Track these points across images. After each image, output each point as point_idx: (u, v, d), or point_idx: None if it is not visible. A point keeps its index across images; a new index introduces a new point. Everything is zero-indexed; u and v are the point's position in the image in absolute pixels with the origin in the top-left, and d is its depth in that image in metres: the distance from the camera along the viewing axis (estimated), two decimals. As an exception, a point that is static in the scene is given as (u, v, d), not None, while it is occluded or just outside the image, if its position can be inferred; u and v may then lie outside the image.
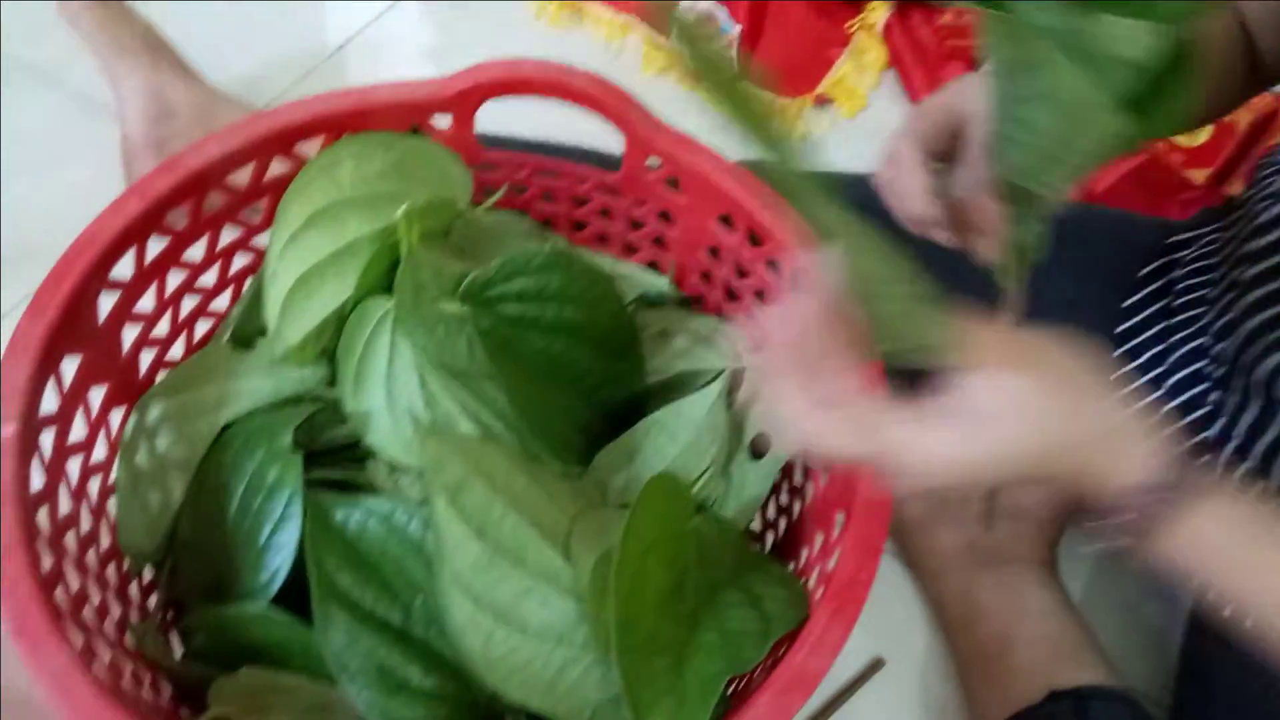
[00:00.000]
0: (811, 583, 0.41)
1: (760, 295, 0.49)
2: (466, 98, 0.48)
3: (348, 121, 0.47)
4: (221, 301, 0.50)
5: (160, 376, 0.46)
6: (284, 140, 0.46)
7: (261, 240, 0.49)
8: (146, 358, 0.46)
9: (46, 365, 0.38)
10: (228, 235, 0.48)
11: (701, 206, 0.49)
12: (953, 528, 0.53)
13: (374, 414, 0.43)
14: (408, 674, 0.37)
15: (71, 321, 0.40)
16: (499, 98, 0.48)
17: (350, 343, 0.44)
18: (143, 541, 0.43)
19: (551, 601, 0.38)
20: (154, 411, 0.44)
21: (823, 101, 0.80)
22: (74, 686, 0.31)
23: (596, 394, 0.48)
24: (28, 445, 0.37)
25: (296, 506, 0.39)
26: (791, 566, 0.46)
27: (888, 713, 0.52)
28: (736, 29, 0.81)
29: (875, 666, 0.53)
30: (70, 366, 0.40)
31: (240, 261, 0.50)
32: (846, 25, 0.85)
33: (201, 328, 0.50)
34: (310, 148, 0.47)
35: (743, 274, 0.49)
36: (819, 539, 0.43)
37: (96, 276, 0.41)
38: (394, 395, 0.43)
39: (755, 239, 0.47)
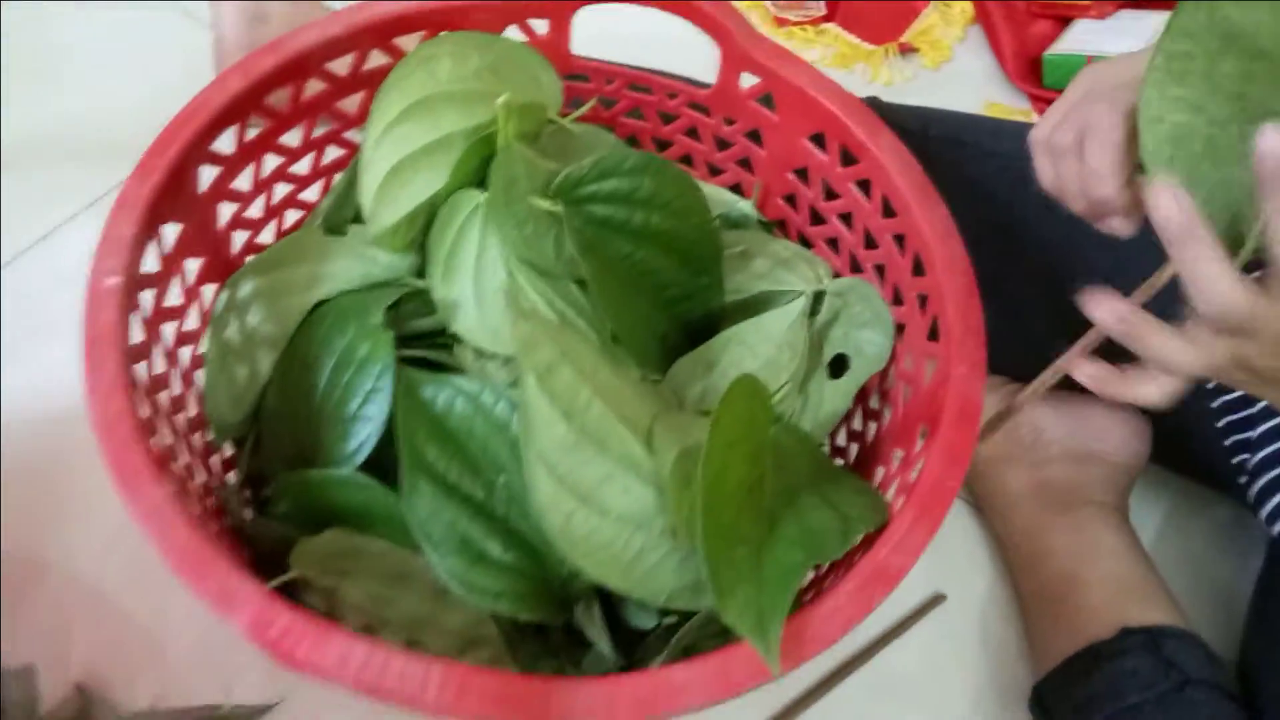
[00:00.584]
0: (890, 495, 0.41)
1: (848, 219, 0.48)
2: (565, 2, 0.48)
3: (447, 18, 0.47)
4: (310, 193, 0.51)
5: (250, 259, 0.47)
6: (384, 31, 0.46)
7: (354, 135, 0.50)
8: (239, 239, 0.47)
9: (149, 226, 0.39)
10: (322, 129, 0.49)
11: (794, 124, 0.48)
12: (1025, 468, 0.52)
13: (461, 303, 0.43)
14: (487, 547, 0.38)
15: (174, 188, 0.40)
16: (597, 3, 0.48)
17: (441, 233, 0.44)
18: (228, 413, 0.43)
19: (632, 489, 0.38)
20: (245, 288, 0.44)
21: (907, 50, 0.79)
22: (170, 522, 0.32)
23: (675, 307, 0.48)
24: (129, 298, 0.37)
25: (387, 380, 0.40)
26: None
27: (946, 648, 0.51)
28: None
29: (935, 601, 0.52)
30: (169, 238, 0.41)
31: (332, 154, 0.50)
32: (935, -22, 0.84)
33: (290, 218, 0.50)
34: (408, 42, 0.47)
35: (831, 195, 0.49)
36: (897, 456, 0.43)
37: (199, 147, 0.41)
38: (481, 286, 0.43)
39: (849, 157, 0.47)
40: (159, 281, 0.40)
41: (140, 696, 0.45)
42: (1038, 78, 0.78)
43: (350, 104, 0.49)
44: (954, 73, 0.79)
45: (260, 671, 0.46)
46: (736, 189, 0.54)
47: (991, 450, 0.53)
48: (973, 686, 0.50)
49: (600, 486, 0.38)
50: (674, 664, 0.32)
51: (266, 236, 0.48)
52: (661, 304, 0.48)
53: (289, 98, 0.46)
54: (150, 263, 0.39)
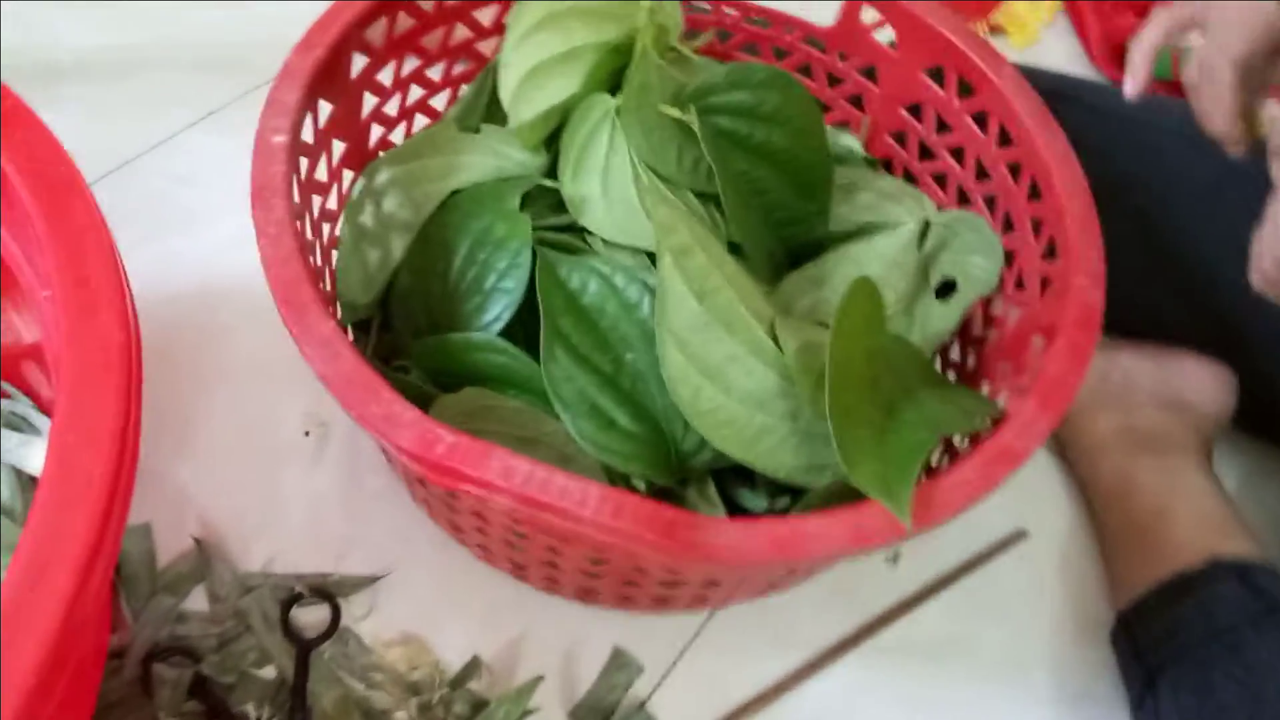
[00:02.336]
0: (1001, 401, 0.42)
1: (958, 153, 0.50)
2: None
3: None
4: (438, 101, 0.53)
5: (386, 151, 0.49)
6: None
7: (483, 48, 0.52)
8: (375, 132, 0.49)
9: (309, 97, 0.41)
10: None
11: (913, 58, 0.50)
12: (1113, 411, 0.53)
13: (590, 199, 0.45)
14: (616, 416, 0.39)
15: (331, 66, 0.43)
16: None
17: (572, 134, 0.46)
18: (359, 294, 0.45)
19: (755, 371, 0.39)
20: (382, 176, 0.46)
21: (995, 29, 0.81)
22: (337, 352, 0.34)
23: (782, 229, 0.50)
24: (292, 157, 0.39)
25: (525, 258, 0.41)
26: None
27: (1027, 582, 0.52)
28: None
29: (1017, 536, 0.53)
30: (321, 115, 0.43)
31: (458, 69, 0.52)
32: (1023, -38, 0.86)
33: (418, 123, 0.52)
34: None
35: (943, 128, 0.50)
36: (1004, 369, 0.44)
37: (356, 31, 0.43)
38: (609, 185, 0.45)
39: (966, 89, 0.48)
40: (312, 153, 0.42)
41: (254, 560, 0.47)
42: (1121, 64, 0.79)
43: (484, 17, 0.51)
44: (1039, 55, 0.81)
45: (368, 546, 0.48)
46: (845, 125, 0.56)
47: (1081, 396, 0.54)
48: (1052, 616, 0.51)
49: (726, 366, 0.39)
50: (809, 514, 0.33)
51: (396, 136, 0.50)
52: (770, 224, 0.50)
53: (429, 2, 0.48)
54: (306, 133, 0.41)
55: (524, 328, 0.42)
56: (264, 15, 0.69)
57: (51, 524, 0.28)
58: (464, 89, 0.53)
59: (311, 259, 0.42)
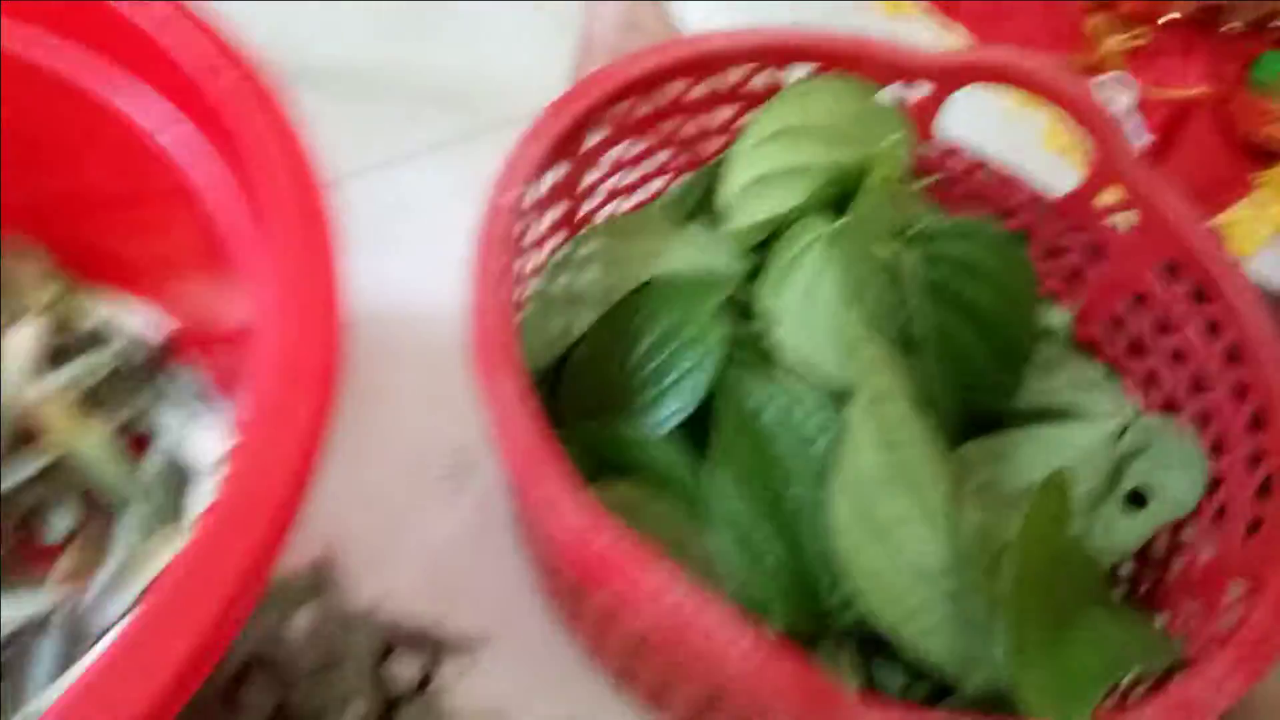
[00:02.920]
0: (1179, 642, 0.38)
1: (1178, 356, 0.47)
2: (955, 75, 0.50)
3: (839, 57, 0.49)
4: (642, 187, 0.53)
5: (590, 226, 0.49)
6: (781, 54, 0.49)
7: (704, 146, 0.52)
8: (583, 207, 0.49)
9: (549, 159, 0.42)
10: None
11: (1147, 249, 0.47)
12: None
13: (785, 316, 0.44)
14: (766, 550, 0.38)
15: (573, 135, 0.43)
16: (988, 82, 0.49)
17: (783, 249, 0.45)
18: (534, 359, 0.45)
19: (925, 541, 0.37)
20: (584, 249, 0.47)
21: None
22: (518, 416, 0.33)
23: (971, 393, 0.47)
24: (520, 216, 0.40)
25: (711, 363, 0.40)
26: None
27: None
28: (1148, 140, 0.79)
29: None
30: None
31: (675, 160, 0.53)
32: (1252, 176, 0.82)
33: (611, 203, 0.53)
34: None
35: (1164, 329, 0.47)
36: (1191, 608, 0.40)
37: (605, 104, 0.44)
38: (809, 306, 0.44)
39: (1200, 295, 0.45)
40: (533, 215, 0.43)
41: (364, 592, 0.46)
42: (1347, 297, 0.74)
43: (715, 118, 0.51)
44: (1256, 270, 0.76)
45: (479, 603, 0.47)
46: (1052, 296, 0.53)
47: None
48: None
49: (896, 527, 0.37)
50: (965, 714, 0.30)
51: (597, 210, 0.51)
52: (958, 385, 0.47)
53: (675, 92, 0.48)
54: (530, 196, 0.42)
55: (692, 428, 0.40)
56: (500, 64, 0.73)
57: (239, 500, 0.27)
58: (675, 182, 0.53)
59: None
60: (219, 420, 0.46)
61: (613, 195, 0.51)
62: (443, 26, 0.75)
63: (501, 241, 0.38)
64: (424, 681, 0.43)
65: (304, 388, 0.30)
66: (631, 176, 0.52)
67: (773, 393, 0.40)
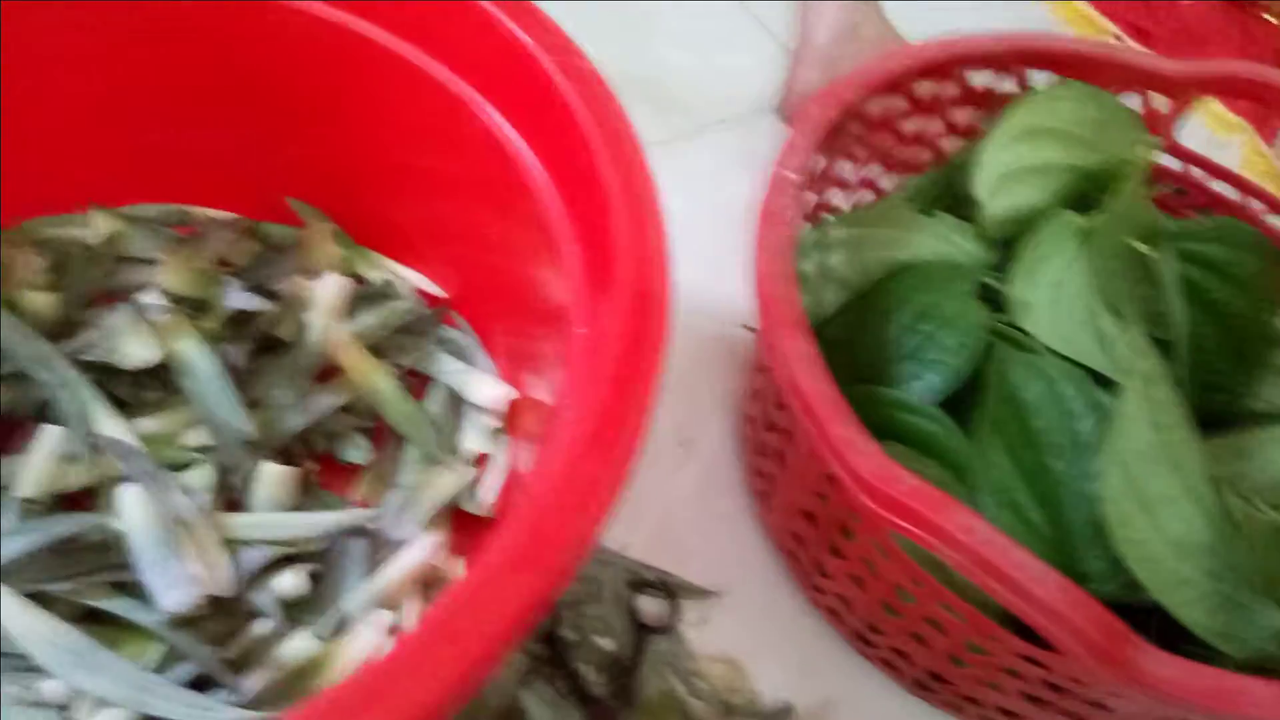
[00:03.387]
0: None
1: None
2: (1198, 86, 0.51)
3: (1084, 65, 0.51)
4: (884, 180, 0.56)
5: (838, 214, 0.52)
6: (1027, 59, 0.51)
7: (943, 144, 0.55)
8: (829, 195, 0.52)
9: (818, 146, 0.45)
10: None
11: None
12: None
13: (1036, 306, 0.46)
14: (1032, 515, 0.39)
15: (838, 126, 0.46)
16: (1228, 96, 0.51)
17: (1033, 241, 0.47)
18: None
19: (1188, 519, 0.38)
20: (834, 233, 0.49)
21: None
22: (816, 370, 0.36)
23: (1208, 392, 0.48)
24: (797, 194, 0.43)
25: (974, 339, 0.43)
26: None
27: None
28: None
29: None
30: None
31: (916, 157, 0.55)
32: None
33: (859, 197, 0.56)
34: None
35: None
36: None
37: (864, 98, 0.47)
38: (1059, 299, 0.46)
39: None
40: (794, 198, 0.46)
41: (609, 541, 0.50)
42: None
43: (959, 117, 0.54)
44: None
45: (706, 562, 0.50)
46: None
47: None
48: None
49: (1160, 504, 0.38)
50: (1254, 678, 0.31)
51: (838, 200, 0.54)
52: (1197, 383, 0.48)
53: (925, 93, 0.51)
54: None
55: (948, 405, 0.43)
56: (718, 69, 0.76)
57: (583, 478, 0.29)
58: (909, 177, 0.55)
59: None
60: (489, 370, 0.50)
61: (855, 186, 0.54)
62: (652, 28, 0.79)
63: (783, 214, 0.41)
64: (672, 621, 0.47)
65: (636, 391, 0.32)
66: (871, 171, 0.55)
67: (1039, 370, 0.42)
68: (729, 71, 0.76)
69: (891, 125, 0.52)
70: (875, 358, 0.45)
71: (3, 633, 0.36)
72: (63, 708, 0.36)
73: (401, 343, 0.50)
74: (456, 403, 0.50)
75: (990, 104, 0.53)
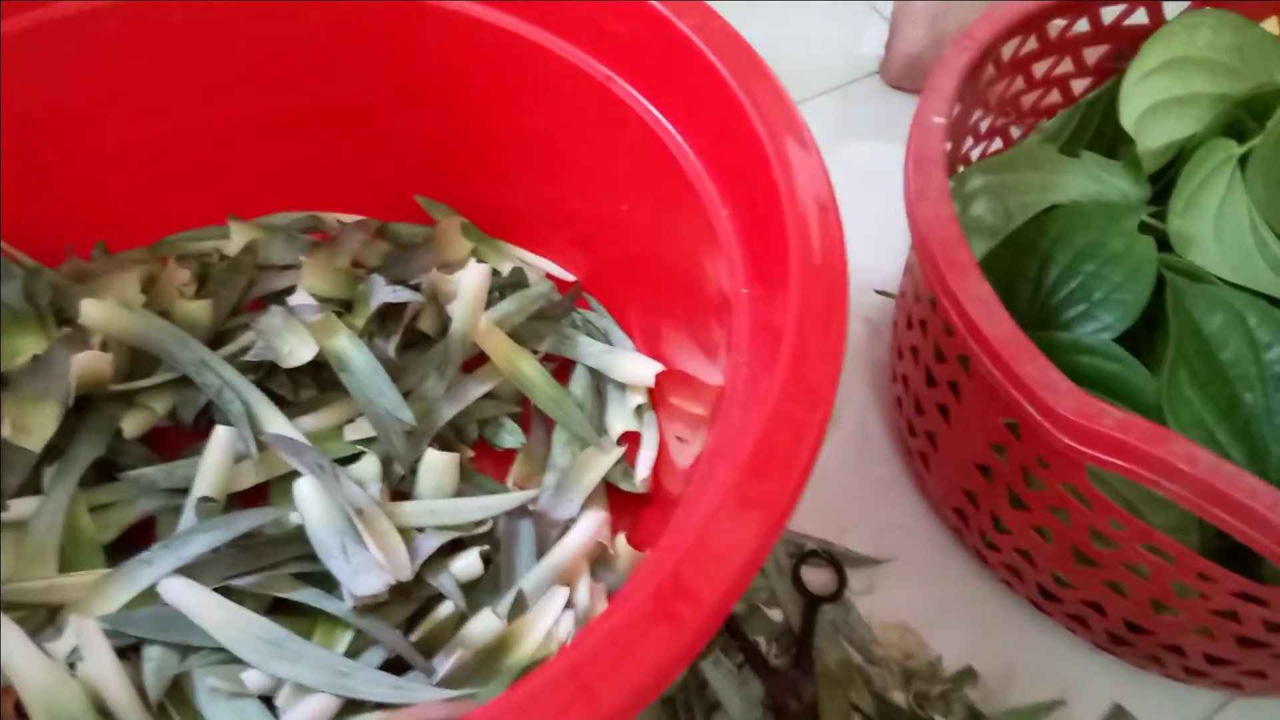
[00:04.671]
0: None
1: None
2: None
3: (1223, -9, 0.49)
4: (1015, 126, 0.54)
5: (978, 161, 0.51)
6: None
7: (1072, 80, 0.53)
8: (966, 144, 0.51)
9: (959, 89, 0.44)
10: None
11: None
12: None
13: (1199, 238, 0.44)
14: (1231, 451, 0.38)
15: (976, 69, 0.45)
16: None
17: (1189, 173, 0.45)
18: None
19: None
20: (974, 182, 0.48)
21: None
22: (997, 312, 0.35)
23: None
24: (947, 139, 0.42)
25: (1147, 274, 0.41)
26: None
27: None
28: None
29: None
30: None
31: (1045, 101, 0.54)
32: None
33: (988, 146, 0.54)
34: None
35: None
36: None
37: (1001, 39, 0.46)
38: (1222, 228, 0.44)
39: None
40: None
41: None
42: None
43: (1090, 55, 0.52)
44: None
45: (867, 529, 0.49)
46: None
47: None
48: None
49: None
50: None
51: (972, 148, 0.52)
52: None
53: (1056, 32, 0.49)
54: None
55: (1124, 344, 0.41)
56: (813, 41, 0.75)
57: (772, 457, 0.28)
58: (1044, 121, 0.54)
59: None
60: (628, 348, 0.50)
61: (991, 133, 0.53)
62: (744, 11, 0.78)
63: (937, 160, 0.40)
64: (839, 589, 0.46)
65: (821, 373, 0.29)
66: (1001, 118, 0.53)
67: (1220, 300, 0.40)
68: (824, 43, 0.75)
69: (1024, 67, 0.50)
70: (1032, 304, 0.44)
71: (200, 627, 0.36)
72: (264, 697, 0.36)
73: (538, 328, 0.50)
74: (599, 383, 0.49)
75: (1122, 39, 0.51)
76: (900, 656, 0.44)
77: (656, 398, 0.48)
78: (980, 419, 0.40)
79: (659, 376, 0.47)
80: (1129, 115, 0.46)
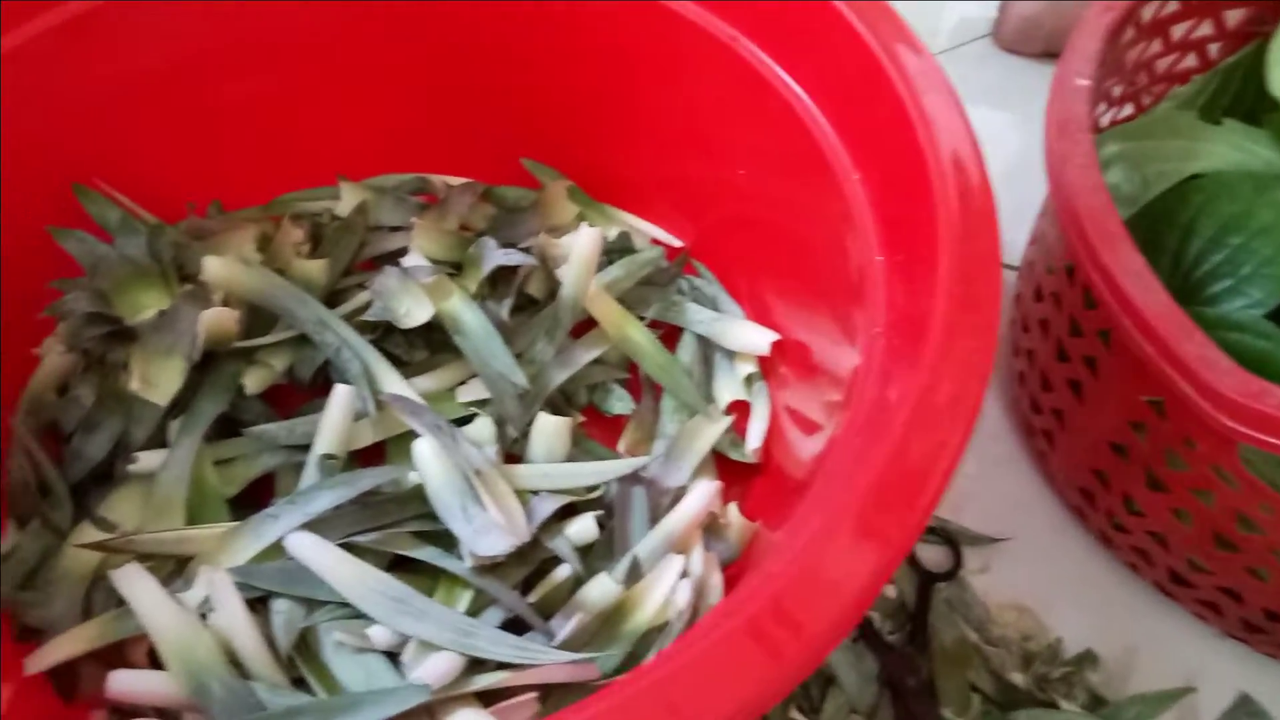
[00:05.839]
0: None
1: None
2: None
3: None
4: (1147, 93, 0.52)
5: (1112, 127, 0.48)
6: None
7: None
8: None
9: (1101, 51, 0.42)
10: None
11: None
12: None
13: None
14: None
15: (1115, 31, 0.43)
16: None
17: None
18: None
19: None
20: (1109, 148, 0.46)
21: None
22: (1151, 284, 0.34)
23: None
24: (1092, 100, 0.40)
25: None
26: None
27: None
28: None
29: None
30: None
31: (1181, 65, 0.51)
32: None
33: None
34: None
35: None
36: None
37: (1139, 5, 0.44)
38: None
39: None
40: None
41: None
42: None
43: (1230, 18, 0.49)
44: None
45: (983, 507, 0.48)
46: None
47: None
48: None
49: None
50: None
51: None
52: None
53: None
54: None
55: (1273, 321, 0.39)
56: (921, 10, 0.73)
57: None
58: (1179, 86, 0.51)
59: (1048, 208, 0.43)
60: (736, 316, 0.49)
61: (1117, 101, 0.51)
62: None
63: (1083, 123, 0.38)
64: (955, 567, 0.45)
65: (968, 377, 0.28)
66: (1137, 82, 0.51)
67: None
68: (933, 4, 0.73)
69: (1163, 29, 0.48)
70: (1172, 277, 0.42)
71: (325, 583, 0.37)
72: (388, 653, 0.36)
73: (645, 294, 0.50)
74: (706, 351, 0.49)
75: (1264, 2, 0.49)
76: (1018, 637, 0.43)
77: (767, 367, 0.48)
78: (1119, 396, 0.38)
79: (776, 345, 0.46)
80: (1276, 80, 0.44)
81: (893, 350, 0.32)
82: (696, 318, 0.49)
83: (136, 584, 0.36)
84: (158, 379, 0.41)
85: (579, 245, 0.48)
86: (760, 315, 0.49)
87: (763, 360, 0.47)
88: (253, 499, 0.42)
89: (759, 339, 0.46)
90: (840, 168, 0.38)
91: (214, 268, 0.44)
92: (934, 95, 0.35)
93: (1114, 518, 0.43)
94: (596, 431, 0.47)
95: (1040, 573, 0.46)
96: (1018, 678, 0.41)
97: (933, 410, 0.27)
